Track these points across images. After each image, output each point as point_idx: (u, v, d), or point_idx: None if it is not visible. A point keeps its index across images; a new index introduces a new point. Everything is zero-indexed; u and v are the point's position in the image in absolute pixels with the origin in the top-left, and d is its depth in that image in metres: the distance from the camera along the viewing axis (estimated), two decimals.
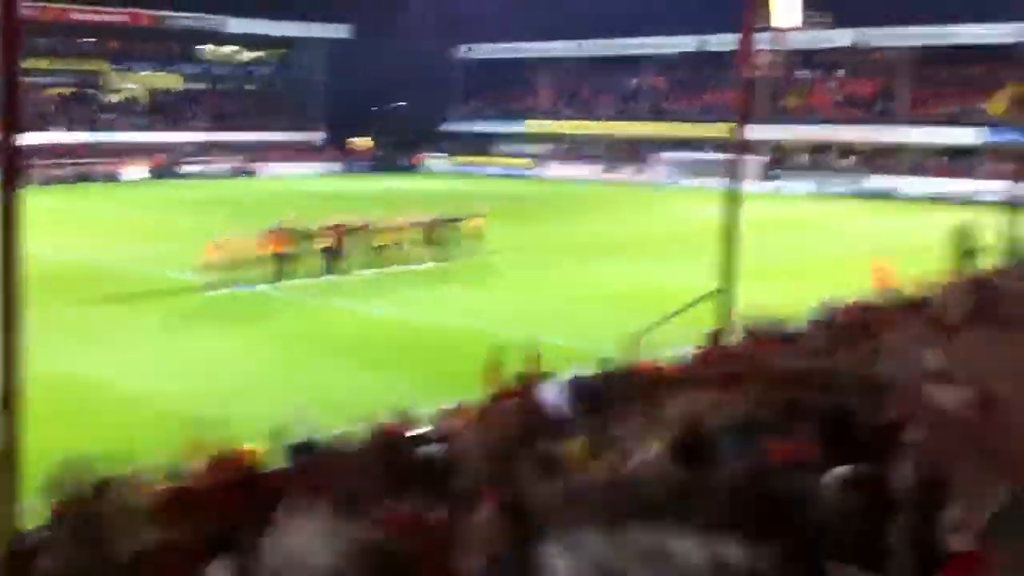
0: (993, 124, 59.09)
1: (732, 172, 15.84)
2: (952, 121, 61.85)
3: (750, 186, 60.16)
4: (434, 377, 17.53)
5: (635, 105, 79.39)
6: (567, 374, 13.04)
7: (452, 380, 14.72)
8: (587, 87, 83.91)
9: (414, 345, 21.01)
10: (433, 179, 71.49)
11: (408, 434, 11.77)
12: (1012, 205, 22.94)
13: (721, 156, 60.91)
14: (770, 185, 63.16)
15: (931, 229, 42.18)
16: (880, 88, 68.01)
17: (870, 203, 56.03)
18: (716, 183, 50.97)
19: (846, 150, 66.16)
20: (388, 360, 19.69)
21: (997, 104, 60.02)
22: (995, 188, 45.88)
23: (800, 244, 37.81)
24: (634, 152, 75.07)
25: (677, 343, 17.03)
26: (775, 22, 68.32)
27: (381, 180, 67.95)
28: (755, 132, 68.61)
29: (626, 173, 73.16)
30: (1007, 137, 55.47)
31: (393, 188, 60.46)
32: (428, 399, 13.13)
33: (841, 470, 4.30)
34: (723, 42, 63.73)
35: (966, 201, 53.90)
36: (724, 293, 15.65)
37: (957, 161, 60.85)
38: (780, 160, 68.13)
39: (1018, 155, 37.18)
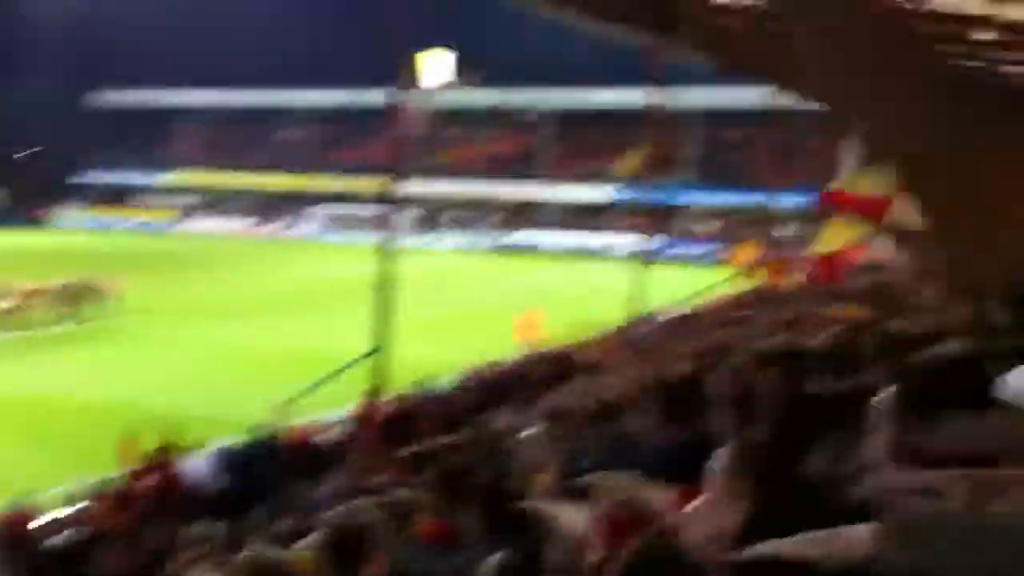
0: (624, 182, 63.64)
1: (386, 226, 15.50)
2: (588, 179, 66.00)
3: (404, 240, 60.50)
4: (65, 454, 15.67)
5: (287, 157, 78.18)
6: (214, 445, 11.99)
7: (86, 456, 13.22)
8: (238, 138, 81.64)
9: (43, 418, 18.81)
10: (66, 234, 66.31)
11: (35, 523, 10.26)
12: (641, 259, 24.35)
13: (375, 210, 61.22)
14: (423, 239, 64.23)
15: (571, 282, 44.75)
16: (524, 147, 71.42)
17: (517, 257, 58.37)
18: (371, 238, 50.42)
19: (494, 206, 68.70)
20: (9, 436, 17.46)
21: (627, 164, 64.75)
22: (626, 242, 49.23)
23: (453, 299, 38.41)
24: (286, 206, 73.80)
25: (333, 406, 16.38)
26: (427, 80, 70.15)
27: (7, 235, 61.96)
28: (408, 187, 69.72)
29: (278, 227, 71.71)
30: (635, 195, 59.95)
31: (22, 244, 55.28)
32: (57, 479, 11.62)
33: (496, 558, 3.92)
34: (377, 97, 64.28)
35: (602, 255, 57.52)
36: (379, 352, 15.20)
37: (594, 217, 64.91)
38: (432, 215, 69.55)
39: (646, 212, 40.02)
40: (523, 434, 7.81)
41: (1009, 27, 8.81)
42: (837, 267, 19.10)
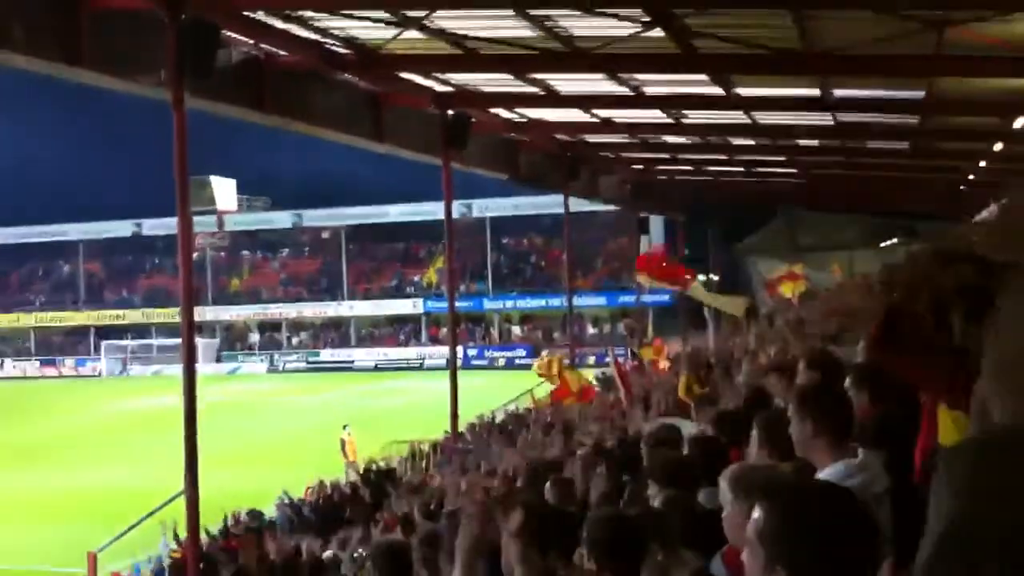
0: (430, 294, 63.90)
1: (184, 357, 14.75)
2: (393, 293, 65.90)
3: (204, 369, 58.35)
4: None
5: (71, 293, 74.46)
6: None
7: None
8: (15, 275, 77.22)
9: None
10: None
11: None
12: (452, 368, 24.14)
13: (171, 341, 58.96)
14: (225, 367, 62.19)
15: (386, 397, 44.16)
16: (322, 266, 70.73)
17: (327, 376, 57.14)
18: (168, 370, 48.46)
19: (296, 326, 67.42)
20: None
21: (431, 273, 65.15)
22: (437, 353, 49.25)
23: (264, 425, 36.99)
24: (73, 343, 70.07)
25: (143, 552, 15.34)
26: (215, 205, 68.85)
27: None
28: (205, 314, 67.67)
29: (66, 367, 67.78)
30: (441, 305, 60.22)
31: None
32: None
33: None
34: (162, 226, 62.45)
35: (415, 367, 57.22)
36: (191, 490, 14.30)
37: (402, 329, 64.67)
38: (232, 341, 67.58)
39: (454, 321, 40.10)
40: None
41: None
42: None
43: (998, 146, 20.50)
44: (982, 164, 23.71)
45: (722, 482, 3.45)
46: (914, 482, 4.17)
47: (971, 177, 26.22)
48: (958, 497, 1.27)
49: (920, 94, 17.13)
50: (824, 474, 3.70)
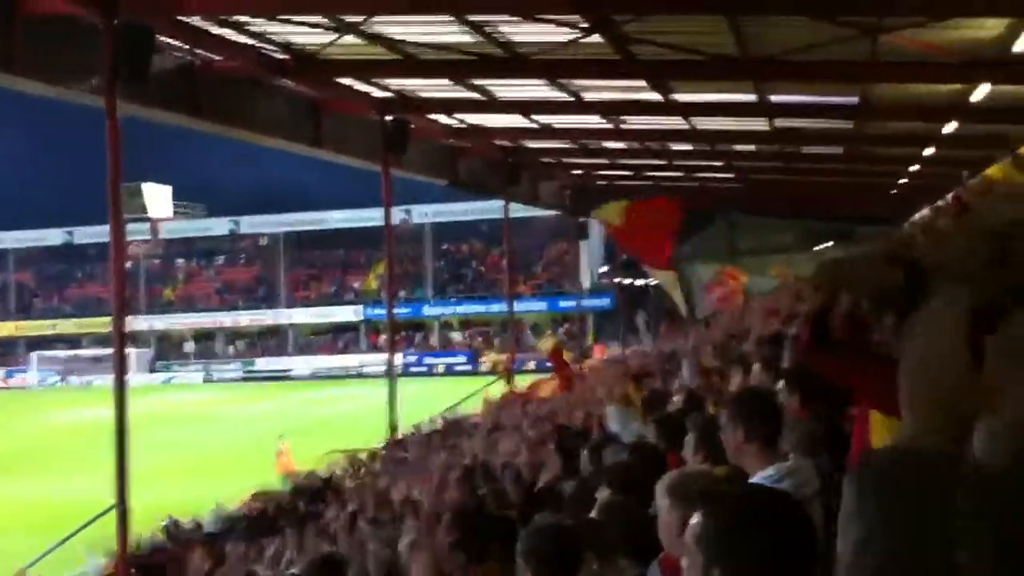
0: (368, 301, 63.44)
1: (115, 367, 14.44)
2: (332, 300, 65.34)
3: (138, 379, 57.30)
4: None
5: (2, 303, 72.80)
6: None
7: None
8: None
9: None
10: None
11: None
12: (393, 375, 23.95)
13: (103, 351, 57.85)
14: (159, 377, 61.20)
15: (325, 405, 43.73)
16: (259, 273, 69.94)
17: (264, 385, 56.48)
18: (101, 381, 47.61)
19: (233, 335, 66.55)
20: None
21: (370, 280, 64.72)
22: (377, 360, 48.85)
23: (199, 436, 36.37)
24: (3, 354, 68.50)
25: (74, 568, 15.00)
26: (149, 213, 67.81)
27: None
28: (138, 323, 66.54)
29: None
30: (381, 312, 59.85)
31: None
32: None
33: None
34: (94, 233, 61.32)
35: (354, 375, 56.77)
36: (122, 504, 14.00)
37: (341, 337, 64.17)
38: (167, 350, 66.54)
39: (394, 328, 39.87)
40: None
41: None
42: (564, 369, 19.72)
43: (930, 151, 20.89)
44: (914, 168, 24.15)
45: (658, 489, 3.42)
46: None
47: (903, 181, 26.71)
48: (862, 520, 1.30)
49: (855, 99, 17.40)
50: (756, 478, 3.69)
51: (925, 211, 17.34)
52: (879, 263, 5.67)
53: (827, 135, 22.16)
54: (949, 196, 15.95)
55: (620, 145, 25.82)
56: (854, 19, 12.03)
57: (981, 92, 14.45)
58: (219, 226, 69.85)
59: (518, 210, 36.38)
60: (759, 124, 20.91)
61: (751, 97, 17.72)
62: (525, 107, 20.47)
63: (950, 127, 17.80)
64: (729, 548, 1.95)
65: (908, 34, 12.26)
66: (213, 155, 63.66)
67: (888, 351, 4.14)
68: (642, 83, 16.97)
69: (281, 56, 15.98)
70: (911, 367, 1.58)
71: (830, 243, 40.17)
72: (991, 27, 11.98)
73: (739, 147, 25.29)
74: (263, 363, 63.37)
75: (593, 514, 4.46)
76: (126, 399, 13.51)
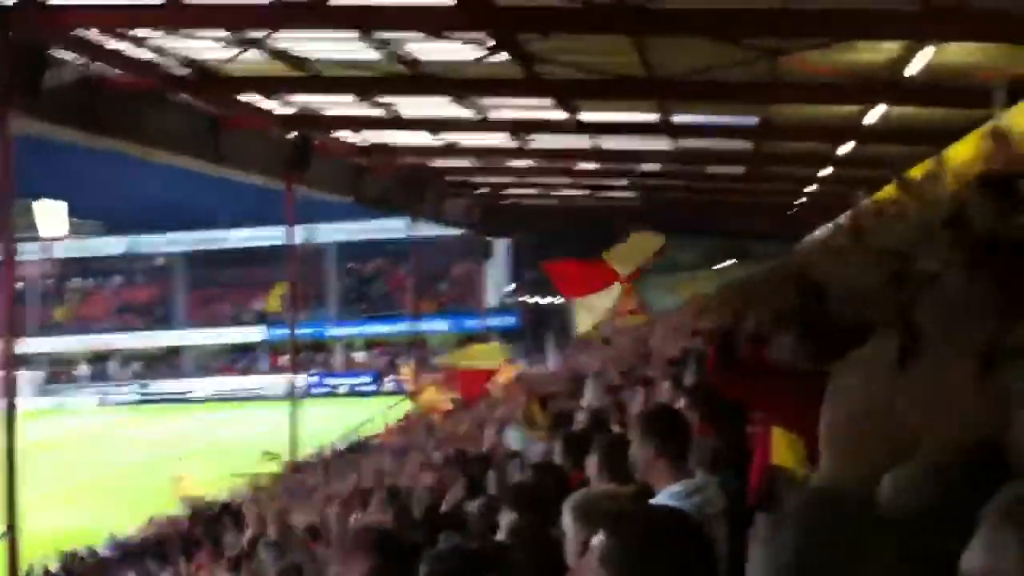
0: (271, 321, 62.30)
1: (5, 391, 13.89)
2: (232, 321, 64.05)
3: (29, 403, 55.31)
4: None
5: None
6: None
7: None
8: None
9: None
10: None
11: None
12: (295, 397, 23.59)
13: None
14: (51, 400, 59.16)
15: (226, 428, 42.74)
16: (158, 293, 68.28)
17: (162, 408, 55.06)
18: None
19: (129, 357, 64.76)
20: None
21: (272, 300, 63.58)
22: (279, 381, 48.02)
23: (94, 461, 35.24)
24: None
25: None
26: (41, 231, 65.67)
27: None
28: (29, 345, 64.26)
29: None
30: (283, 333, 58.78)
31: None
32: None
33: None
34: None
35: (255, 396, 55.70)
36: (11, 531, 13.43)
37: (241, 358, 62.96)
38: (59, 373, 64.41)
39: (296, 348, 39.27)
40: None
41: None
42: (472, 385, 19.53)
43: (826, 171, 21.44)
44: (811, 188, 24.77)
45: (564, 509, 3.38)
46: (749, 503, 4.20)
47: (802, 200, 27.37)
48: (778, 556, 1.30)
49: (755, 120, 17.77)
50: (661, 495, 3.68)
51: (822, 230, 17.77)
52: (777, 284, 5.77)
53: (729, 155, 22.60)
54: (844, 216, 16.39)
55: (527, 164, 25.94)
56: (754, 41, 12.28)
57: (876, 114, 14.89)
58: (115, 245, 67.95)
59: (424, 229, 36.25)
60: (663, 144, 21.21)
61: (655, 117, 17.97)
62: (431, 125, 20.42)
63: (846, 148, 18.30)
64: (633, 569, 1.97)
65: (807, 56, 12.56)
66: (112, 172, 61.98)
67: (788, 368, 4.19)
68: (548, 102, 17.06)
69: (181, 71, 15.65)
70: (837, 412, 1.67)
71: (731, 260, 41.05)
72: (886, 50, 12.34)
73: (644, 166, 25.62)
74: (160, 385, 61.74)
75: (499, 536, 4.39)
76: (15, 423, 13.00)
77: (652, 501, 3.69)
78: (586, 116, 18.29)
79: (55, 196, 66.33)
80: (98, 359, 64.78)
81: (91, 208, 72.67)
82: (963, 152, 14.11)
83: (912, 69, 12.19)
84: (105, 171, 61.54)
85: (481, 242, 42.05)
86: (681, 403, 5.38)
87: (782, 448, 3.99)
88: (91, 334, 65.05)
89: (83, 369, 64.46)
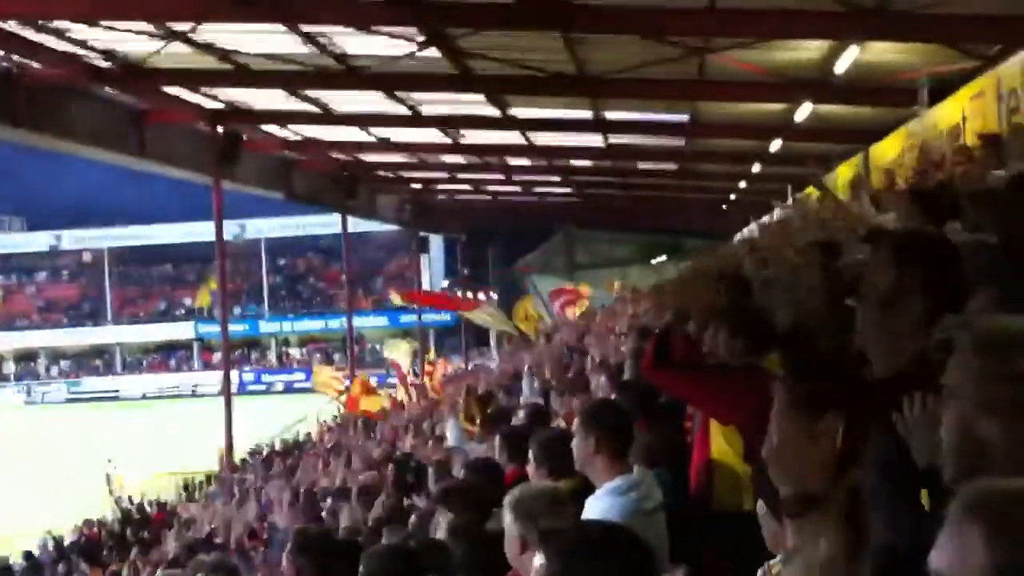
0: (202, 318, 61.40)
1: None
2: (162, 318, 62.98)
3: None
4: None
5: None
6: None
7: None
8: None
9: None
10: None
11: None
12: (227, 394, 23.27)
13: None
14: None
15: (158, 427, 42.06)
16: (83, 290, 66.88)
17: (91, 407, 53.92)
18: None
19: (56, 354, 63.34)
20: None
21: (202, 297, 62.68)
22: (212, 379, 47.39)
23: (21, 461, 34.35)
24: None
25: None
26: None
27: None
28: None
29: None
30: (214, 330, 57.92)
31: None
32: None
33: None
34: None
35: (187, 394, 54.92)
36: None
37: (173, 355, 61.93)
38: None
39: (228, 345, 38.76)
40: None
41: None
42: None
43: (756, 167, 21.73)
44: (742, 185, 25.10)
45: (504, 506, 3.39)
46: (689, 497, 4.25)
47: (732, 197, 27.72)
48: None
49: (685, 117, 17.94)
50: (602, 490, 3.70)
51: (752, 226, 18.02)
52: (708, 282, 5.85)
53: (660, 151, 22.78)
54: (773, 212, 16.64)
55: (459, 159, 25.90)
56: (682, 39, 12.40)
57: (804, 112, 15.12)
58: (39, 241, 66.39)
59: (358, 224, 36.02)
60: (595, 140, 21.33)
61: (587, 114, 18.05)
62: (362, 120, 20.27)
63: (775, 145, 18.58)
64: None
65: (734, 55, 12.71)
66: (32, 167, 60.55)
67: (723, 364, 4.26)
68: (480, 98, 17.05)
69: (104, 64, 15.32)
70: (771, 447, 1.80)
71: (663, 256, 41.49)
72: (812, 49, 12.55)
73: (576, 162, 25.73)
74: (89, 383, 60.49)
75: (438, 535, 4.39)
76: None
77: (592, 496, 3.72)
78: (518, 112, 18.32)
79: None
80: (24, 357, 63.25)
81: (12, 204, 70.93)
82: (888, 149, 14.46)
83: (839, 67, 12.41)
84: (27, 166, 60.06)
85: (417, 237, 41.93)
86: (617, 399, 5.43)
87: (718, 439, 4.06)
88: (16, 331, 63.54)
89: (8, 367, 62.90)
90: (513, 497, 3.38)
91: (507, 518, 3.31)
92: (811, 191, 17.45)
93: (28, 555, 17.67)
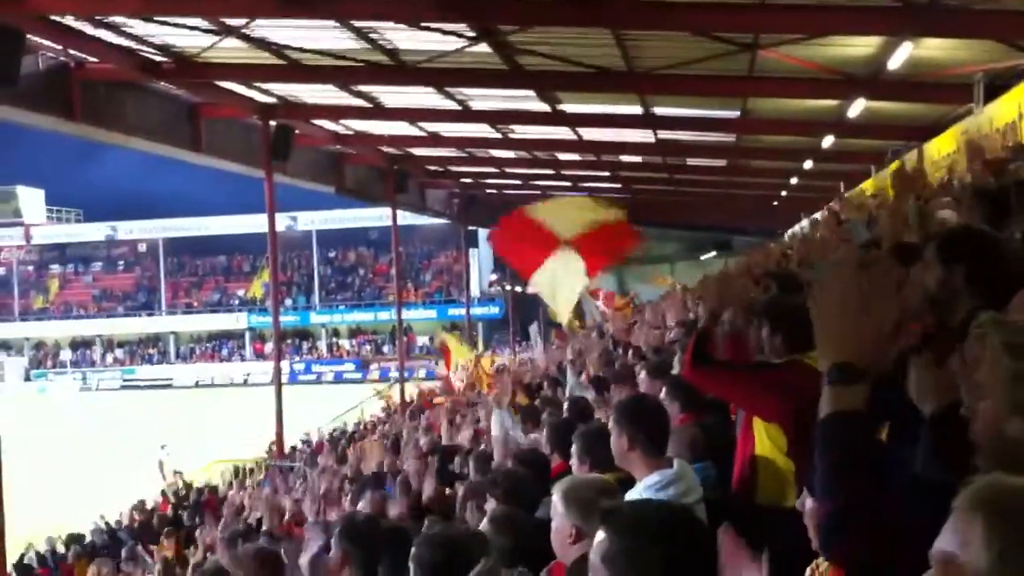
0: (253, 309, 62.18)
1: None
2: (215, 308, 63.86)
3: (12, 389, 55.08)
4: None
5: None
6: None
7: None
8: None
9: None
10: None
11: None
12: (277, 385, 23.53)
13: None
14: (34, 385, 58.96)
15: (207, 415, 42.65)
16: (138, 280, 68.01)
17: (145, 394, 54.79)
18: None
19: (111, 343, 64.51)
20: None
21: (255, 288, 63.45)
22: (263, 369, 47.97)
23: (77, 446, 35.02)
24: None
25: None
26: (23, 218, 65.28)
27: None
28: (11, 331, 63.98)
29: None
30: (265, 320, 58.57)
31: None
32: None
33: None
34: None
35: (239, 383, 55.60)
36: None
37: (224, 345, 62.75)
38: (42, 358, 64.15)
39: (280, 336, 39.23)
40: None
41: None
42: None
43: (808, 164, 21.55)
44: (793, 181, 24.89)
45: (553, 494, 3.42)
46: (732, 492, 4.27)
47: (783, 193, 27.50)
48: None
49: (735, 113, 17.84)
50: (640, 485, 3.72)
51: (804, 223, 17.89)
52: (751, 278, 5.85)
53: (709, 147, 22.67)
54: (825, 209, 16.49)
55: (508, 154, 25.95)
56: (732, 35, 12.35)
57: (857, 108, 14.98)
58: (95, 231, 67.60)
59: (407, 218, 36.21)
60: (644, 136, 21.27)
61: (636, 109, 18.01)
62: (412, 115, 20.40)
63: (828, 141, 18.41)
64: (635, 568, 1.98)
65: (784, 50, 12.64)
66: (89, 159, 61.56)
67: (764, 363, 4.27)
68: (530, 93, 17.08)
69: (159, 58, 15.58)
70: None
71: (712, 253, 41.22)
72: (865, 45, 12.44)
73: (625, 158, 25.67)
74: (143, 372, 61.56)
75: (482, 524, 4.45)
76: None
77: (630, 492, 3.74)
78: (568, 107, 18.33)
79: (32, 184, 65.95)
80: (80, 345, 64.51)
81: (70, 196, 72.29)
82: (943, 146, 14.28)
83: (893, 64, 12.29)
84: (84, 159, 61.09)
85: (465, 231, 42.04)
86: (662, 393, 5.46)
87: (762, 437, 4.07)
88: (73, 319, 64.83)
89: (66, 355, 64.22)
90: (563, 486, 3.40)
91: (559, 508, 3.33)
92: (871, 183, 17.35)
93: (79, 537, 18.00)
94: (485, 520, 4.37)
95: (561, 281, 10.10)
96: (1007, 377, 1.62)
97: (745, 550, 2.63)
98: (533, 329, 23.41)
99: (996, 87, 11.95)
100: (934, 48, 12.05)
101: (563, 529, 3.28)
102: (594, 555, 2.05)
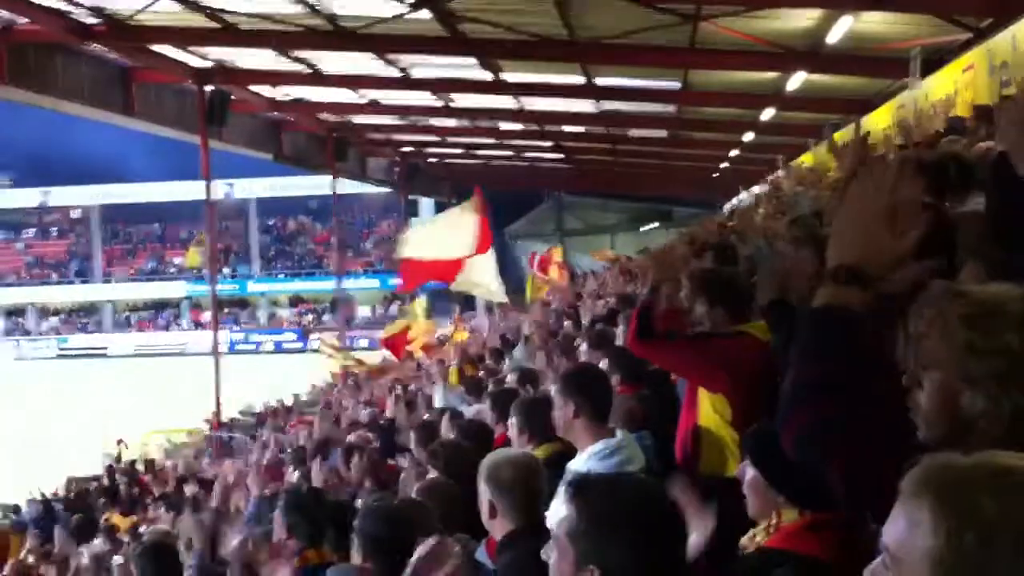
0: (191, 277, 61.19)
1: None
2: (151, 276, 62.80)
3: None
4: None
5: None
6: None
7: None
8: None
9: None
10: None
11: None
12: (217, 354, 23.28)
13: None
14: None
15: (144, 385, 42.04)
16: (72, 247, 66.58)
17: (80, 363, 53.73)
18: None
19: (45, 311, 63.17)
20: None
21: (192, 256, 62.41)
22: (201, 338, 47.42)
23: (10, 417, 34.29)
24: None
25: None
26: None
27: None
28: None
29: None
30: (203, 289, 57.69)
31: None
32: None
33: None
34: None
35: (176, 352, 54.84)
36: None
37: (162, 314, 61.79)
38: None
39: (218, 305, 38.74)
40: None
41: None
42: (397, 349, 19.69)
43: (748, 136, 21.72)
44: (734, 153, 25.09)
45: (479, 470, 3.42)
46: (674, 462, 4.29)
47: (723, 166, 27.72)
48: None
49: (677, 85, 17.89)
50: (584, 454, 3.73)
51: (743, 195, 18.06)
52: (690, 251, 5.89)
53: (651, 118, 22.73)
54: (766, 182, 16.66)
55: (450, 123, 25.79)
56: (673, 6, 12.35)
57: (796, 81, 15.10)
58: (27, 197, 65.95)
59: (348, 186, 35.90)
60: (586, 106, 21.25)
61: (579, 79, 17.98)
62: (352, 82, 20.16)
63: (767, 114, 18.55)
64: (604, 541, 1.90)
65: (725, 22, 12.66)
66: (20, 122, 59.88)
67: (705, 333, 4.29)
68: (472, 61, 16.96)
69: (91, 20, 15.19)
70: None
71: (653, 224, 41.49)
72: (805, 18, 12.52)
73: (567, 128, 25.66)
74: (78, 340, 60.37)
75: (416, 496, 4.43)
76: None
77: (573, 461, 3.75)
78: (510, 76, 18.23)
79: None
80: (13, 313, 63.09)
81: None
82: (880, 120, 14.47)
83: (832, 37, 12.38)
84: (14, 123, 59.45)
85: (407, 200, 41.83)
86: (603, 364, 5.47)
87: (708, 409, 4.09)
88: (4, 287, 63.36)
89: None
90: (487, 463, 3.41)
91: (480, 483, 3.34)
92: (810, 156, 17.52)
93: (15, 508, 17.71)
94: (414, 490, 4.36)
95: (480, 276, 10.33)
96: (962, 348, 1.58)
97: (696, 498, 2.63)
98: (479, 300, 23.41)
99: (933, 62, 12.11)
100: (874, 22, 12.15)
101: (482, 504, 3.31)
102: (560, 530, 1.97)
